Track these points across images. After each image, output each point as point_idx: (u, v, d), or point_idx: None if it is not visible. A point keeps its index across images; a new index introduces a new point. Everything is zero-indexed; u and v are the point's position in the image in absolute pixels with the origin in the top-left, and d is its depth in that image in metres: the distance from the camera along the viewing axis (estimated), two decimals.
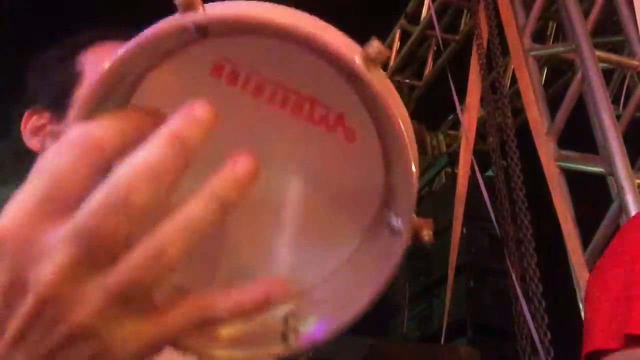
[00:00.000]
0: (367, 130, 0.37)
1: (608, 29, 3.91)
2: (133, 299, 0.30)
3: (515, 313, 3.06)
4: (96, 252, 0.29)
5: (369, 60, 0.33)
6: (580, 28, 3.25)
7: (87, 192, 0.30)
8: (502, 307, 4.19)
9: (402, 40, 5.94)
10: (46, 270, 0.29)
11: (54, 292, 0.29)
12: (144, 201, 0.30)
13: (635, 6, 3.30)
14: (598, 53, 3.23)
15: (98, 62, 0.84)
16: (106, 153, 0.31)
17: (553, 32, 5.26)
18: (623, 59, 3.48)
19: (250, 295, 0.33)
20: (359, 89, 0.36)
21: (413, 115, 6.10)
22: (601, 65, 3.19)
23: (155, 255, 0.30)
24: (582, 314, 2.86)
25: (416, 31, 5.71)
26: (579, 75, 3.18)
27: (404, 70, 6.22)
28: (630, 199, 2.80)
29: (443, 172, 5.82)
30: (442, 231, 4.95)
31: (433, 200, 5.56)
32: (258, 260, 0.40)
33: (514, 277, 3.09)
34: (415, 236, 0.36)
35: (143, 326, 0.31)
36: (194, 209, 0.30)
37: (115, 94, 0.35)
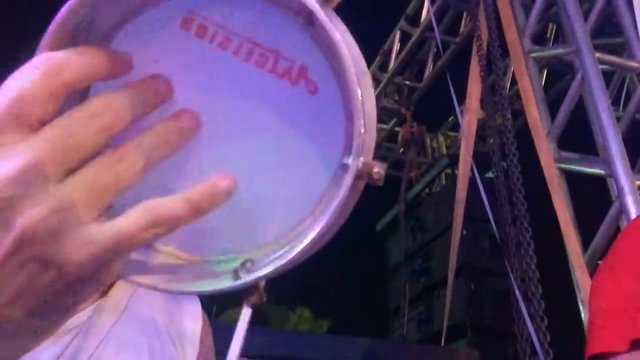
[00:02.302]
0: (329, 82, 0.39)
1: (608, 31, 3.92)
2: (91, 204, 0.32)
3: (515, 315, 3.06)
4: (62, 157, 0.32)
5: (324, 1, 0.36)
6: (580, 30, 3.26)
7: (46, 111, 0.33)
8: (502, 308, 4.19)
9: (402, 42, 5.95)
10: (1, 170, 0.32)
11: (6, 191, 0.31)
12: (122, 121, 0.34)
13: (635, 7, 3.30)
14: (598, 55, 3.23)
15: None
16: (65, 78, 0.33)
17: (553, 33, 5.27)
18: (623, 61, 3.48)
19: (198, 189, 0.35)
20: (320, 40, 0.38)
21: (413, 117, 6.12)
22: (601, 67, 3.19)
23: (114, 162, 0.33)
24: (582, 315, 2.86)
25: (416, 33, 5.72)
26: (578, 77, 3.18)
27: (404, 72, 6.22)
28: (630, 200, 2.80)
29: (443, 174, 5.83)
30: (442, 233, 4.95)
31: (433, 201, 5.56)
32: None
33: (513, 279, 3.09)
34: (368, 175, 0.37)
35: (97, 232, 0.33)
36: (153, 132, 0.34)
37: (89, 43, 0.37)
